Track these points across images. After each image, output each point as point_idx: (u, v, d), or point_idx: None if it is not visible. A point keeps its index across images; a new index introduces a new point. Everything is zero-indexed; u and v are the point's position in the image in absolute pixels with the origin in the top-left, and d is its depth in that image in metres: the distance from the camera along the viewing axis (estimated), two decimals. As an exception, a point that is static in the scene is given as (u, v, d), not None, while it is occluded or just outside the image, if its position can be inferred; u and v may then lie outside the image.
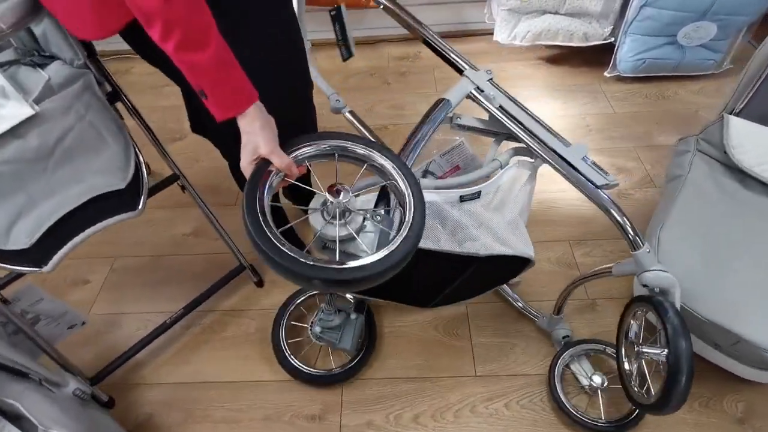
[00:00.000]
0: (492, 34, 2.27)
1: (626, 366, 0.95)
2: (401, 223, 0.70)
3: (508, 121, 0.96)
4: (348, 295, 1.20)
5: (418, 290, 1.13)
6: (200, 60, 0.63)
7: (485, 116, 1.03)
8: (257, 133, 0.69)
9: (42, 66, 0.93)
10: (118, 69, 2.33)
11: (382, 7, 1.14)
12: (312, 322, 1.20)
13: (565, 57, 2.29)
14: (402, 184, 0.75)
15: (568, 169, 0.89)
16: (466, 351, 1.30)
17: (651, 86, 2.09)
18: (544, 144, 0.92)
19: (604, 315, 1.36)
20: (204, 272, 1.52)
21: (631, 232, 0.87)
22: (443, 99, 0.94)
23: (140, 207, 1.04)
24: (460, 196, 0.88)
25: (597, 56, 2.22)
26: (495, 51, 2.38)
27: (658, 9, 1.86)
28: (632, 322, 0.95)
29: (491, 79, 0.98)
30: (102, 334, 1.39)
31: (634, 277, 1.06)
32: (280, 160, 0.70)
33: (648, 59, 2.00)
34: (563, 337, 1.23)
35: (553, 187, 1.65)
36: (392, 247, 0.65)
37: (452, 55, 1.05)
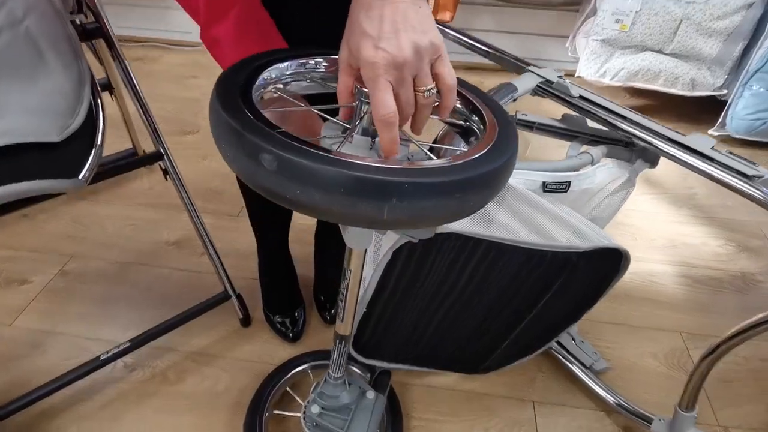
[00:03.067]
0: (571, 75, 1.95)
1: None
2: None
3: (598, 111, 0.74)
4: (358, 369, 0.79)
5: (476, 337, 0.84)
6: None
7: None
8: None
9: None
10: (147, 55, 2.12)
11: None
12: (308, 401, 0.77)
13: (656, 108, 1.94)
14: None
15: (698, 160, 0.67)
16: (531, 478, 0.86)
17: (766, 154, 1.70)
18: (655, 133, 0.70)
19: (743, 456, 0.90)
20: (178, 295, 1.13)
21: None
22: (508, 82, 0.77)
23: (81, 177, 0.67)
24: (544, 183, 0.71)
25: (696, 110, 1.86)
26: (570, 93, 2.06)
27: (791, 60, 1.52)
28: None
29: (561, 76, 0.81)
30: (17, 358, 0.99)
31: None
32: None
33: (769, 120, 1.63)
34: None
35: (646, 254, 1.24)
36: (475, 154, 0.38)
37: (512, 59, 0.91)
